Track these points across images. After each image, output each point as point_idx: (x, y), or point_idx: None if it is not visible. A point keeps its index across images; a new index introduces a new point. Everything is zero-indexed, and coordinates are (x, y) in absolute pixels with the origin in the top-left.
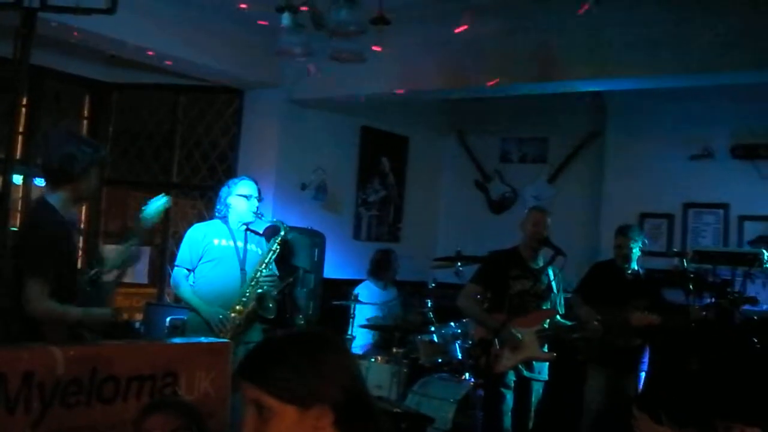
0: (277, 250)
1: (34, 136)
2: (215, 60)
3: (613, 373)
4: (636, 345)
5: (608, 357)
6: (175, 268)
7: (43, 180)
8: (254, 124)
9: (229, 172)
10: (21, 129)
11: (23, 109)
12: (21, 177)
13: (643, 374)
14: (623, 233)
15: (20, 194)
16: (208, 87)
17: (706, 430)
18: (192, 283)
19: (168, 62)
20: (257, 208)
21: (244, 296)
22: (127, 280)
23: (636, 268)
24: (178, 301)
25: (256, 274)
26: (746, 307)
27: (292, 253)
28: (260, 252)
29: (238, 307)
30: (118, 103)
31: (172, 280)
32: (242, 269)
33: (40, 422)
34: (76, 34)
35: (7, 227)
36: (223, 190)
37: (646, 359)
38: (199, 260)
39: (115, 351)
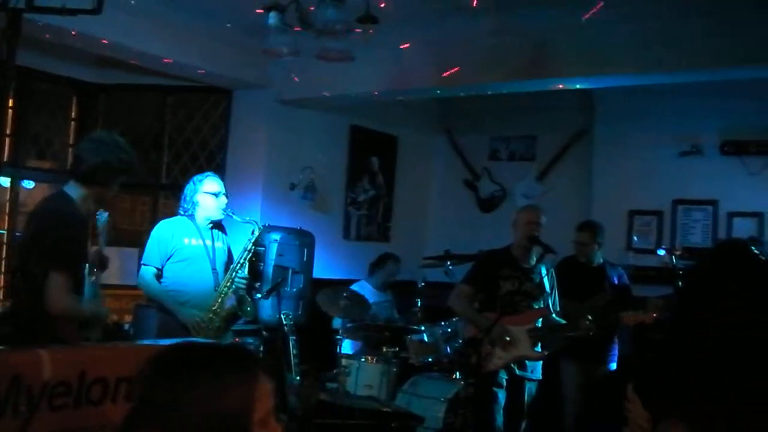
0: (252, 250)
1: (21, 137)
2: (203, 60)
3: (583, 365)
4: (603, 336)
5: (577, 349)
6: (143, 266)
7: (75, 177)
8: (243, 125)
9: (218, 173)
10: (8, 131)
11: (10, 111)
12: (9, 179)
13: (614, 365)
14: (584, 229)
15: (8, 196)
16: (196, 87)
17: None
18: (161, 283)
19: (155, 63)
20: (226, 205)
21: (220, 297)
22: (116, 282)
23: (601, 261)
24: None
25: (231, 274)
26: None
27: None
28: (226, 249)
29: (215, 308)
30: (106, 105)
31: (140, 279)
32: (214, 269)
33: (28, 426)
34: (54, 34)
35: None
36: (189, 187)
37: (615, 350)
38: (168, 259)
39: (104, 353)
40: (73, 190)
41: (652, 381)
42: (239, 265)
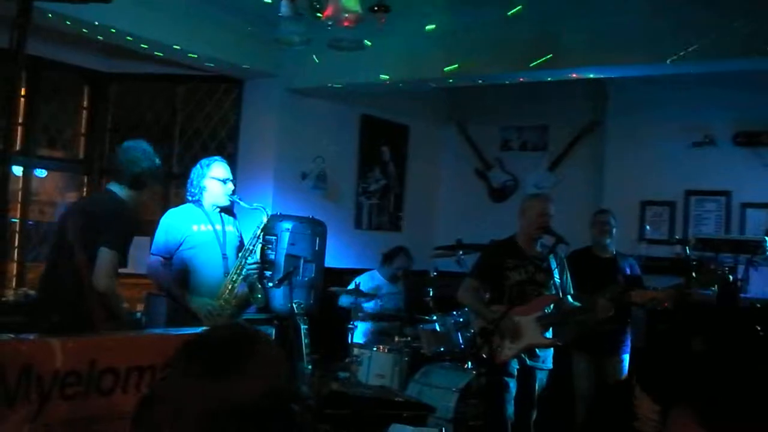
0: (261, 236)
1: (32, 126)
2: (214, 50)
3: (595, 358)
4: (616, 328)
5: (589, 342)
6: (151, 256)
7: (122, 181)
8: (253, 114)
9: (229, 162)
10: (20, 120)
11: (22, 100)
12: (21, 168)
13: (626, 356)
14: (603, 211)
15: (19, 185)
16: (206, 77)
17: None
18: (171, 271)
19: (166, 52)
20: (233, 191)
21: (231, 284)
22: (128, 270)
23: (613, 252)
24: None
25: (241, 261)
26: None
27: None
28: (237, 234)
29: (225, 295)
30: (116, 94)
31: (149, 269)
32: (224, 255)
33: (39, 415)
34: (65, 23)
35: (7, 219)
36: (195, 172)
37: (628, 342)
38: (177, 248)
39: (114, 342)
40: (120, 191)
41: (657, 372)
42: (249, 251)
